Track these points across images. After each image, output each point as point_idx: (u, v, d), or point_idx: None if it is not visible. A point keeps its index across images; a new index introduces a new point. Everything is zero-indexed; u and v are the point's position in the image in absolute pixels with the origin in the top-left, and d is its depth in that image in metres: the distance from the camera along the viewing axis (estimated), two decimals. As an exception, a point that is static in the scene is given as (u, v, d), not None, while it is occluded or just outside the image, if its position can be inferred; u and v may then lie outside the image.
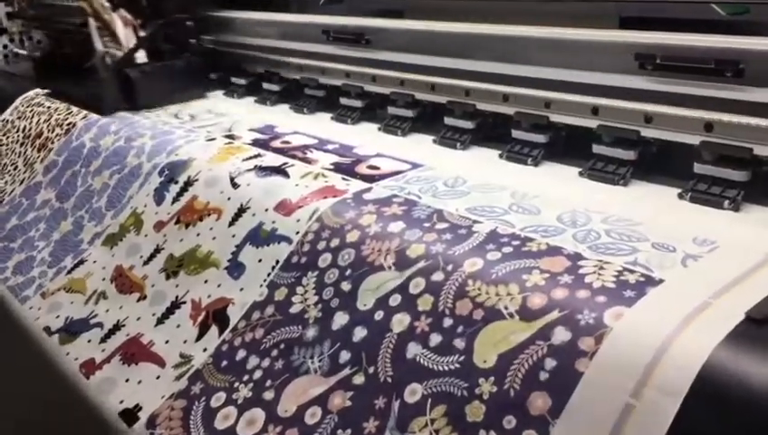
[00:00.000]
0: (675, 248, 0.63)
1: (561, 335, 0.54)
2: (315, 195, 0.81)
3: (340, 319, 0.68)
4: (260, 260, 0.79)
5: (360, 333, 0.66)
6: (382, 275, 0.68)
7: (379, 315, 0.65)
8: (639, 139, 0.82)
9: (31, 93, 1.54)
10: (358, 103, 1.19)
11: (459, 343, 0.59)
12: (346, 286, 0.70)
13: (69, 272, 1.00)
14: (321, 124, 1.19)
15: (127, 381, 0.78)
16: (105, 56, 1.42)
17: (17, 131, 1.44)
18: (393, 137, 1.09)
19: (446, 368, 0.58)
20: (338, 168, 0.91)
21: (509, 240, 0.65)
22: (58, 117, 1.35)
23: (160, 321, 0.83)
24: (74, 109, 1.34)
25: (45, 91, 1.53)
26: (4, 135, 1.47)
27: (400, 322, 0.64)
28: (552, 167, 0.90)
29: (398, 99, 1.11)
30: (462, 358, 0.58)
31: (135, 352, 0.81)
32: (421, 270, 0.66)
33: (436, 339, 0.61)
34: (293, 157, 0.96)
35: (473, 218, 0.71)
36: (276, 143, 1.05)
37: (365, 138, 1.08)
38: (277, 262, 0.78)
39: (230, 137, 1.10)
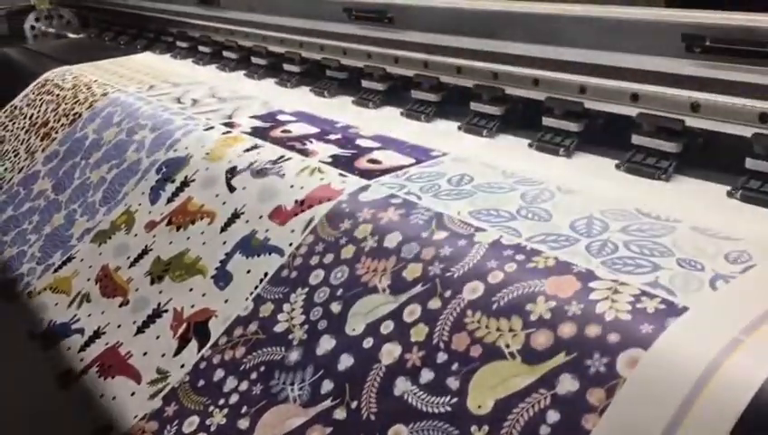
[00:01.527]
0: (703, 266, 0.55)
1: (567, 384, 0.47)
2: (310, 199, 0.75)
3: (326, 343, 0.62)
4: (248, 271, 0.74)
5: (345, 361, 0.59)
6: (375, 299, 0.62)
7: (368, 343, 0.59)
8: (684, 129, 0.74)
9: (53, 72, 1.50)
10: (380, 86, 1.12)
11: (453, 383, 0.52)
12: (336, 308, 0.63)
13: (56, 270, 0.95)
14: (341, 109, 1.12)
15: (101, 396, 0.73)
16: None
17: (24, 118, 1.41)
18: (416, 122, 1.01)
19: (437, 410, 0.52)
20: (336, 161, 0.84)
21: (513, 253, 0.58)
22: (65, 106, 1.31)
23: (140, 330, 0.77)
24: (81, 97, 1.30)
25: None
26: (10, 121, 1.44)
27: (390, 353, 0.57)
28: (585, 158, 0.82)
29: (422, 82, 1.04)
30: (454, 400, 0.51)
31: (112, 363, 0.76)
32: (417, 296, 0.59)
33: (427, 376, 0.54)
34: (292, 148, 0.89)
35: (475, 225, 0.63)
36: (276, 132, 0.98)
37: (387, 124, 1.00)
38: (266, 274, 0.72)
39: (229, 125, 1.03)
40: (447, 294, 0.57)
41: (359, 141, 0.92)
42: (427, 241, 0.63)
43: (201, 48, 1.59)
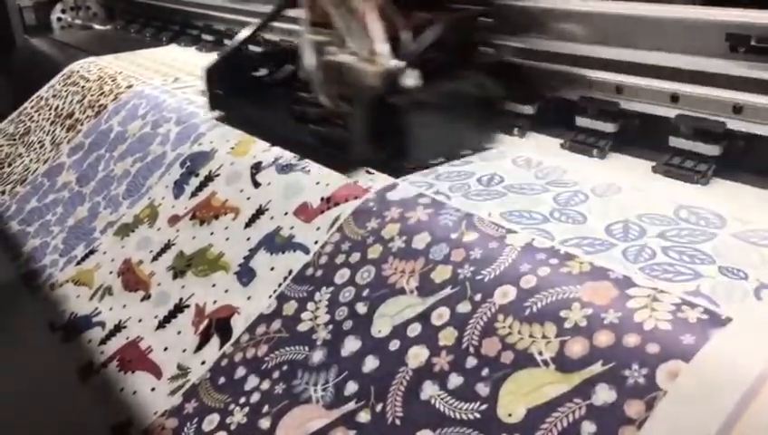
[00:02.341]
0: (747, 275, 0.53)
1: (603, 395, 0.45)
2: (336, 196, 0.74)
3: (351, 344, 0.60)
4: (272, 268, 0.72)
5: (371, 363, 0.58)
6: (402, 300, 0.60)
7: (394, 345, 0.57)
8: (726, 131, 0.71)
9: (78, 63, 1.50)
10: None
11: (482, 389, 0.51)
12: (362, 308, 0.62)
13: (79, 262, 0.94)
14: None
15: (122, 390, 0.72)
16: (323, 68, 0.87)
17: (50, 109, 1.41)
18: None
19: (465, 416, 0.50)
20: None
21: (546, 257, 0.56)
22: (91, 98, 1.31)
23: (161, 325, 0.76)
24: (106, 89, 1.29)
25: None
26: (36, 112, 1.44)
27: (417, 356, 0.56)
28: (620, 160, 0.79)
29: None
30: (484, 407, 0.50)
31: (133, 357, 0.75)
32: (446, 299, 0.57)
33: (456, 380, 0.52)
34: None
35: (506, 227, 0.61)
36: None
37: None
38: (290, 272, 0.70)
39: None
40: (478, 297, 0.56)
41: None
42: (456, 242, 0.61)
43: (227, 42, 1.57)
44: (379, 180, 0.74)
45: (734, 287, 0.51)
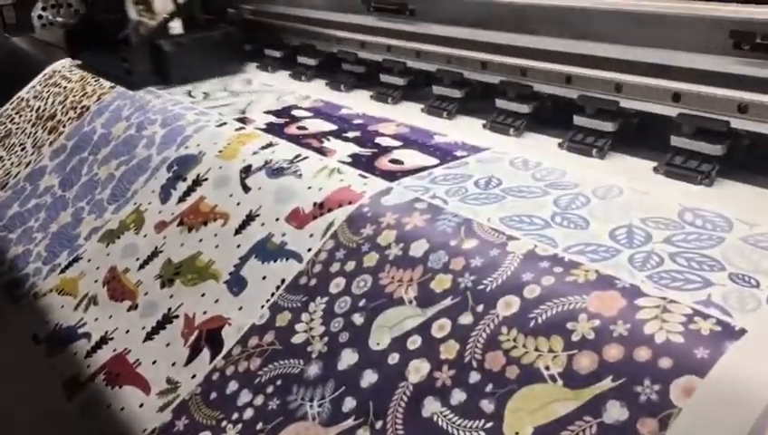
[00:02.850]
0: (758, 283, 0.51)
1: (614, 412, 0.43)
2: (330, 201, 0.71)
3: (348, 358, 0.58)
4: (264, 277, 0.70)
5: (369, 377, 0.56)
6: (401, 311, 0.58)
7: (393, 359, 0.55)
8: (729, 131, 0.69)
9: (60, 63, 1.46)
10: (400, 81, 1.07)
11: (487, 406, 0.48)
12: (358, 319, 0.60)
13: (63, 271, 0.91)
14: (360, 103, 1.08)
15: (109, 407, 0.69)
16: (138, 26, 1.29)
17: (31, 111, 1.37)
18: (438, 119, 0.96)
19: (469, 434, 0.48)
20: (356, 161, 0.80)
21: (550, 266, 0.54)
22: (73, 99, 1.28)
23: (149, 336, 0.74)
24: (89, 90, 1.26)
25: (76, 62, 1.45)
26: (17, 113, 1.40)
27: (418, 370, 0.53)
28: (620, 160, 0.77)
29: (445, 77, 0.99)
30: (489, 425, 0.48)
31: (120, 371, 0.72)
32: (447, 310, 0.55)
33: (459, 396, 0.50)
34: (308, 146, 0.86)
35: (507, 233, 0.59)
36: (292, 129, 0.95)
37: (407, 121, 0.96)
38: (283, 281, 0.68)
39: (242, 121, 1.00)
40: (480, 309, 0.53)
41: (378, 140, 0.89)
42: (455, 250, 0.59)
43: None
44: (373, 183, 0.72)
45: (747, 296, 0.49)
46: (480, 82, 0.96)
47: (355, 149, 0.85)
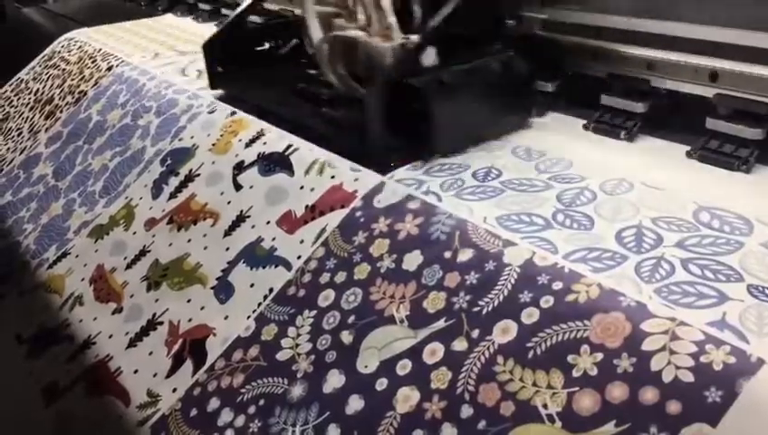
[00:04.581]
0: None
1: (618, 464, 0.39)
2: (322, 204, 0.67)
3: (335, 380, 0.54)
4: (252, 285, 0.66)
5: (355, 403, 0.52)
6: (392, 331, 0.54)
7: (381, 384, 0.51)
8: None
9: (60, 41, 1.42)
10: None
11: (479, 445, 0.45)
12: (347, 337, 0.56)
13: (50, 266, 0.88)
14: None
15: (86, 418, 0.66)
16: (331, 44, 0.79)
17: (30, 94, 1.34)
18: None
19: (459, 476, 0.44)
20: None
21: (549, 281, 0.49)
22: (71, 83, 1.24)
23: (132, 343, 0.70)
24: (86, 73, 1.22)
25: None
26: (16, 96, 1.37)
27: (407, 398, 0.50)
28: (651, 143, 0.72)
29: None
30: (480, 467, 0.44)
31: (100, 379, 0.69)
32: (440, 333, 0.51)
33: (449, 432, 0.46)
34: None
35: (503, 238, 0.54)
36: None
37: None
38: (271, 290, 0.64)
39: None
40: (475, 334, 0.49)
41: None
42: (450, 263, 0.55)
43: (224, 11, 1.47)
44: (365, 178, 0.67)
45: (766, 315, 0.44)
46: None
47: None
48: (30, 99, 1.31)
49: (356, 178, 0.68)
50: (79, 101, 1.16)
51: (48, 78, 1.33)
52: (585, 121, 0.76)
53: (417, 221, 0.60)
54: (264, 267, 0.67)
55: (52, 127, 1.16)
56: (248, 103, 0.90)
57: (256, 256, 0.68)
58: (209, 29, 1.42)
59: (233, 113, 0.89)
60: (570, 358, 0.45)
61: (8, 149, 1.21)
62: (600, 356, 0.44)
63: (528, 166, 0.68)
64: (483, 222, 0.57)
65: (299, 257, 0.65)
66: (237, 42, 0.99)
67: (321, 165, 0.72)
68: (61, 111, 1.19)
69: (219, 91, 0.97)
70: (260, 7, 1.08)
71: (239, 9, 1.00)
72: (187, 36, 1.36)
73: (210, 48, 0.97)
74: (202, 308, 0.68)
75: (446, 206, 0.60)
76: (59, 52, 1.40)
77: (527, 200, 0.61)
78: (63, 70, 1.30)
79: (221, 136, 0.85)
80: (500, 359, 0.47)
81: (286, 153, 0.76)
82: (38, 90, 1.32)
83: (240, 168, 0.79)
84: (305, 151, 0.75)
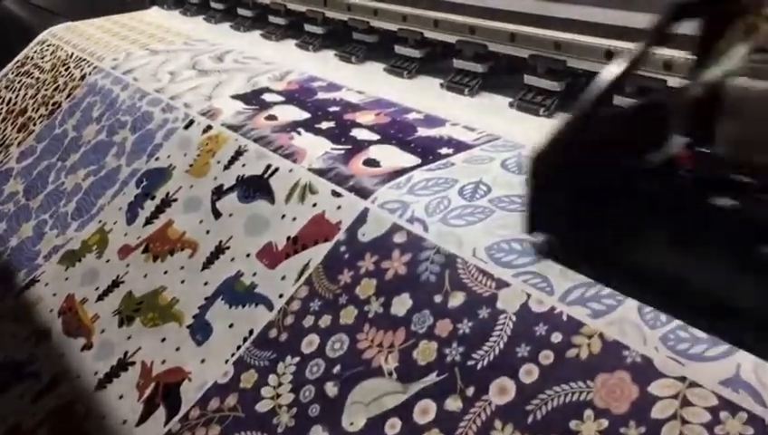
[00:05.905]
0: None
1: None
2: (304, 236, 0.63)
3: (318, 438, 0.50)
4: (231, 325, 0.62)
5: (340, 466, 0.48)
6: (380, 384, 0.50)
7: (368, 445, 0.48)
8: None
9: (32, 45, 1.37)
10: (416, 53, 0.97)
11: None
12: (331, 390, 0.52)
13: (18, 294, 0.83)
14: (373, 78, 0.99)
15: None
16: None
17: (2, 103, 1.28)
18: (457, 96, 0.88)
19: None
20: (329, 169, 0.69)
21: (548, 331, 0.46)
22: (45, 93, 1.19)
23: (102, 384, 0.66)
24: (60, 82, 1.17)
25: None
26: (-13, 106, 1.31)
27: (396, 464, 0.46)
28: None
29: (466, 49, 0.89)
30: None
31: (66, 424, 0.64)
32: (431, 389, 0.47)
33: (442, 505, 0.43)
34: (278, 149, 0.75)
35: (495, 277, 0.50)
36: (260, 120, 0.83)
37: (421, 96, 0.88)
38: (251, 332, 0.60)
39: (209, 115, 0.87)
40: (470, 392, 0.46)
41: (354, 132, 0.77)
42: (441, 309, 0.51)
43: (213, 4, 1.41)
44: (348, 205, 0.63)
45: None
46: (506, 55, 0.87)
47: (327, 145, 0.74)
48: (2, 108, 1.26)
49: (338, 205, 0.64)
50: (53, 114, 1.11)
51: (21, 87, 1.28)
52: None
53: (405, 259, 0.56)
54: (243, 306, 0.62)
55: (25, 141, 1.11)
56: (611, 273, 0.48)
57: (236, 292, 0.64)
58: (195, 24, 1.38)
59: (208, 127, 0.84)
60: (572, 424, 0.41)
61: (-21, 163, 1.16)
62: (605, 423, 0.40)
63: (518, 180, 0.62)
64: (472, 256, 0.53)
65: (281, 296, 0.60)
66: (584, 147, 0.50)
67: (302, 189, 0.67)
68: (34, 124, 1.14)
69: (543, 237, 0.52)
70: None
71: (602, 80, 0.49)
72: (155, 35, 1.30)
73: (541, 164, 0.50)
74: (177, 349, 0.64)
75: (433, 237, 0.56)
76: (32, 58, 1.35)
77: (517, 222, 0.55)
78: (37, 79, 1.25)
79: (198, 156, 0.81)
80: (498, 423, 0.43)
81: (266, 176, 0.72)
82: (10, 99, 1.27)
83: (219, 192, 0.74)
84: (285, 171, 0.71)
